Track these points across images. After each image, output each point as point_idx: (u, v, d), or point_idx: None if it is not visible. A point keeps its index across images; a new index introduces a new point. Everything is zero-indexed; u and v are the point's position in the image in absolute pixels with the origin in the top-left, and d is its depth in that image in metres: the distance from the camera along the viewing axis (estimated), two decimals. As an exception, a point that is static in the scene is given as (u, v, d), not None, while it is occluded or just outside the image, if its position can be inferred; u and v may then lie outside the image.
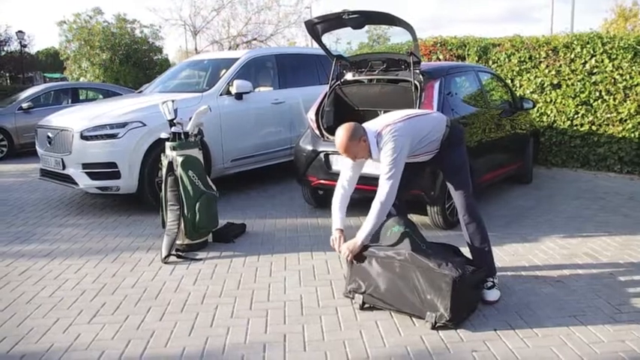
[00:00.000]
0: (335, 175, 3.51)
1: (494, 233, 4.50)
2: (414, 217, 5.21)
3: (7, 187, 7.57)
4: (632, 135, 7.32)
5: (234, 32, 25.86)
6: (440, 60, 8.91)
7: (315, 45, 6.12)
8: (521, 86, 8.19)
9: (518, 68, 8.21)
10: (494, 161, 5.76)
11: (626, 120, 7.35)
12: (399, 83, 5.19)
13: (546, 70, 7.93)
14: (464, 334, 3.01)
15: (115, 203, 6.22)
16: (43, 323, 3.26)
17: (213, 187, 4.68)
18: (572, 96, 7.72)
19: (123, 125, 5.60)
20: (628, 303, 3.38)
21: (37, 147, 6.43)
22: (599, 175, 7.46)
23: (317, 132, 5.33)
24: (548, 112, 7.98)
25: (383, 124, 3.31)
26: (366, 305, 3.33)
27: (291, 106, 7.03)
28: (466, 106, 5.52)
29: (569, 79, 7.73)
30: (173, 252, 4.36)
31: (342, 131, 3.24)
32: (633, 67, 7.25)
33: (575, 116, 7.75)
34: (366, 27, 5.53)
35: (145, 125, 5.63)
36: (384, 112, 4.08)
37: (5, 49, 32.97)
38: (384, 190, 3.22)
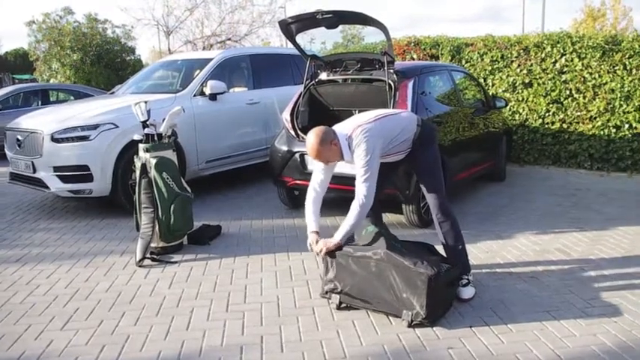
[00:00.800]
0: (310, 176, 3.50)
1: (468, 231, 4.56)
2: (390, 216, 5.25)
3: (-25, 191, 7.38)
4: (602, 132, 7.48)
5: (208, 32, 25.62)
6: (414, 59, 8.98)
7: (290, 45, 6.10)
8: (493, 85, 8.30)
9: (490, 67, 8.32)
10: (468, 159, 5.82)
11: (595, 118, 7.51)
12: (373, 83, 5.21)
13: (518, 70, 8.05)
14: (440, 331, 3.04)
15: (88, 207, 6.12)
16: (14, 330, 3.19)
17: (188, 188, 4.63)
18: (544, 94, 7.86)
19: (95, 127, 5.52)
20: (599, 297, 3.46)
21: (6, 150, 6.29)
22: (570, 172, 7.60)
23: (292, 132, 5.32)
24: (520, 111, 8.10)
25: (354, 125, 3.30)
26: (343, 305, 3.33)
27: (266, 107, 7.01)
28: (440, 105, 5.56)
29: (540, 78, 7.87)
30: (148, 255, 4.30)
31: (313, 136, 3.21)
32: (602, 66, 7.41)
33: (547, 114, 7.89)
34: (341, 27, 5.54)
35: (117, 127, 5.55)
36: (359, 111, 4.09)
37: (-29, 50, 32.22)
38: (362, 193, 3.21)
